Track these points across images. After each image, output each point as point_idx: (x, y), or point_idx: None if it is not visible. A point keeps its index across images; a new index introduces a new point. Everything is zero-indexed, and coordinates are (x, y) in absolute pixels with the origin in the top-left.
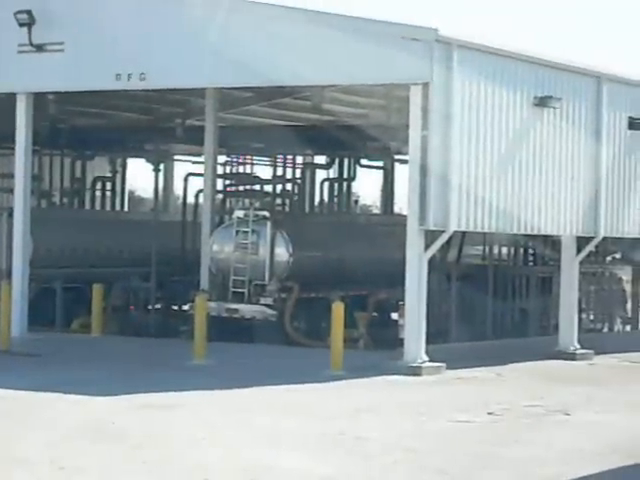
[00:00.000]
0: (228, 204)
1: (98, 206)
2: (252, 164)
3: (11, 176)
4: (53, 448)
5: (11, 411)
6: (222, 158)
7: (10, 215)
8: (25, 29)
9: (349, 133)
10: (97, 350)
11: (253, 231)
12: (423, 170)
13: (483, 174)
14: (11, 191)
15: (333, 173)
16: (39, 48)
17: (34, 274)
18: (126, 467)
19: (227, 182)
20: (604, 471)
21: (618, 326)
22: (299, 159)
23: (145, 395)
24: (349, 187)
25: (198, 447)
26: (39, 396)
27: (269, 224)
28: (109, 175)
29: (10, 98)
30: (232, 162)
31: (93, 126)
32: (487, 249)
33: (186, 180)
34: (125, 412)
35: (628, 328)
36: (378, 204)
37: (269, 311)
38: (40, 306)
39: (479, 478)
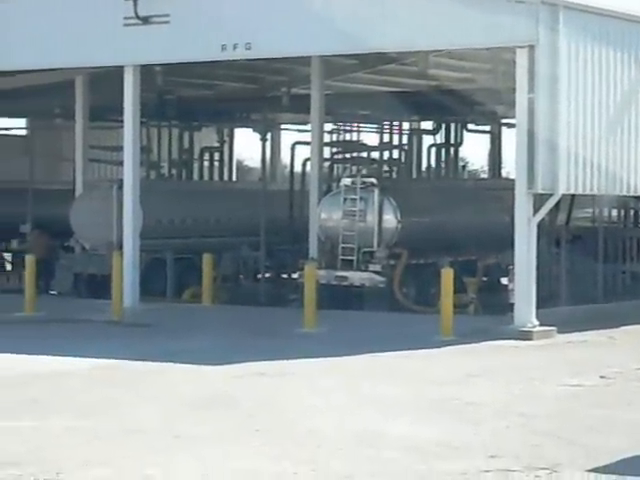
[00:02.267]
0: (335, 172)
1: (206, 176)
2: (358, 131)
3: (120, 148)
4: (167, 417)
5: (124, 381)
6: (328, 126)
7: (120, 187)
8: (131, 2)
9: (455, 98)
10: (208, 319)
11: (361, 198)
12: (530, 133)
13: (591, 136)
14: (120, 163)
15: (440, 138)
16: (145, 20)
17: (144, 245)
18: (240, 435)
19: (334, 150)
20: None
21: None
22: (405, 125)
23: (256, 363)
24: (456, 152)
25: (310, 414)
26: (151, 366)
27: (377, 191)
28: (217, 145)
29: (118, 71)
30: (339, 130)
31: (200, 97)
32: (596, 211)
33: (293, 149)
34: (237, 380)
35: None
36: (486, 168)
37: (378, 278)
38: (151, 277)
39: (593, 442)
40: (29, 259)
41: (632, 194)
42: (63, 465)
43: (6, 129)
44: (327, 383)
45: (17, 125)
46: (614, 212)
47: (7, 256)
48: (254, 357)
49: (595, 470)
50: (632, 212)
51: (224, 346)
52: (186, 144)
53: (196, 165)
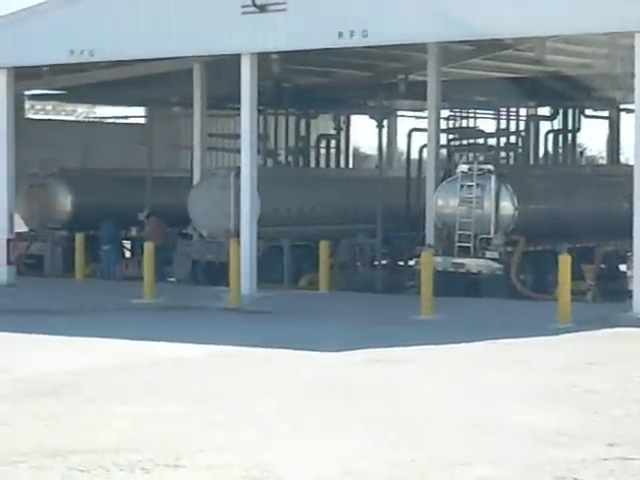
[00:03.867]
0: (452, 158)
1: (323, 164)
2: (475, 118)
3: (237, 136)
4: (284, 403)
5: (243, 367)
6: (445, 112)
7: (237, 175)
8: None
9: (572, 84)
10: (325, 306)
11: (478, 185)
12: None
13: None
14: (238, 151)
15: (557, 124)
16: (262, 8)
17: (261, 232)
18: (356, 422)
19: (451, 136)
20: None
21: None
22: (522, 111)
23: (374, 350)
24: (574, 138)
25: (427, 401)
26: (269, 352)
27: (493, 177)
28: (333, 132)
29: (235, 59)
30: (455, 116)
31: (316, 84)
32: None
33: (410, 135)
34: (354, 367)
35: None
36: (604, 154)
37: (495, 265)
38: (268, 264)
39: None
40: (148, 246)
41: None
42: (181, 451)
43: (125, 117)
44: (444, 370)
45: (136, 113)
46: None
47: (126, 243)
48: (371, 344)
49: None
50: None
51: (341, 333)
52: (303, 131)
53: (313, 152)
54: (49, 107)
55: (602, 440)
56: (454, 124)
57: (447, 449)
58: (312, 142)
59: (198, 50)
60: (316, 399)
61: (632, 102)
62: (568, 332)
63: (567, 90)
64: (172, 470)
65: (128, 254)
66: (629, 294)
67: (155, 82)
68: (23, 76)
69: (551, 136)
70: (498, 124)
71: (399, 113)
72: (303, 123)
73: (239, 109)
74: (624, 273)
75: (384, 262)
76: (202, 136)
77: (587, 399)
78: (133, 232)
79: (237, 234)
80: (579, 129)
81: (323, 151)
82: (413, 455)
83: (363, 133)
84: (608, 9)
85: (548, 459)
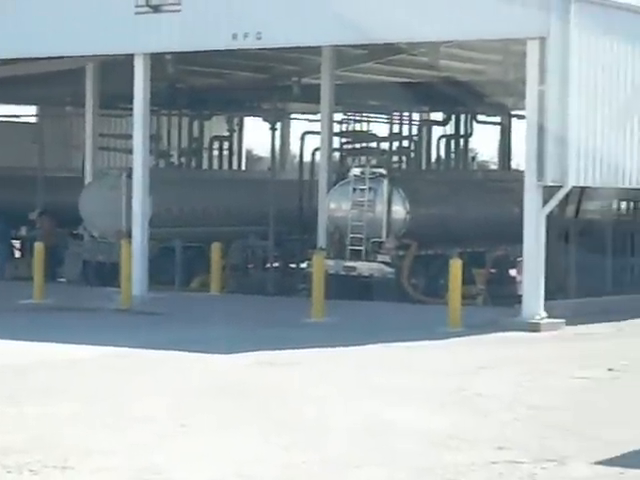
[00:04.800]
0: (345, 162)
1: (216, 165)
2: (368, 122)
3: (130, 137)
4: (175, 405)
5: (133, 369)
6: (338, 116)
7: (129, 175)
8: None
9: (465, 89)
10: (216, 308)
11: (370, 188)
12: (540, 125)
13: (601, 128)
14: (130, 151)
15: (450, 129)
16: (156, 9)
17: (153, 233)
18: (248, 424)
19: (343, 140)
20: None
21: None
22: (415, 116)
23: (265, 352)
24: (466, 143)
25: (319, 404)
26: (160, 354)
27: (386, 181)
28: (226, 134)
29: (128, 59)
30: (348, 120)
31: (210, 86)
32: (606, 204)
33: (303, 138)
34: (245, 369)
35: None
36: (495, 160)
37: (387, 268)
38: (160, 265)
39: (601, 435)
40: (38, 246)
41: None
42: (70, 452)
43: (16, 116)
44: (336, 373)
45: (27, 112)
46: (624, 205)
47: (16, 243)
48: (263, 346)
49: (601, 463)
50: None
51: (233, 335)
52: (196, 133)
53: (206, 154)
54: None
55: (491, 444)
56: (347, 127)
57: (339, 452)
58: (205, 144)
59: (91, 49)
60: (208, 401)
61: (523, 109)
62: (458, 336)
63: (460, 95)
64: (60, 472)
65: (18, 254)
66: (518, 299)
67: (47, 81)
68: None
69: (443, 141)
70: (391, 128)
71: (293, 116)
72: (196, 124)
73: (132, 109)
74: (514, 278)
75: (276, 265)
76: (94, 136)
77: (477, 403)
78: (23, 231)
79: (129, 235)
80: (471, 134)
81: (216, 153)
82: (305, 457)
83: (256, 135)
84: (501, 15)
85: (438, 462)
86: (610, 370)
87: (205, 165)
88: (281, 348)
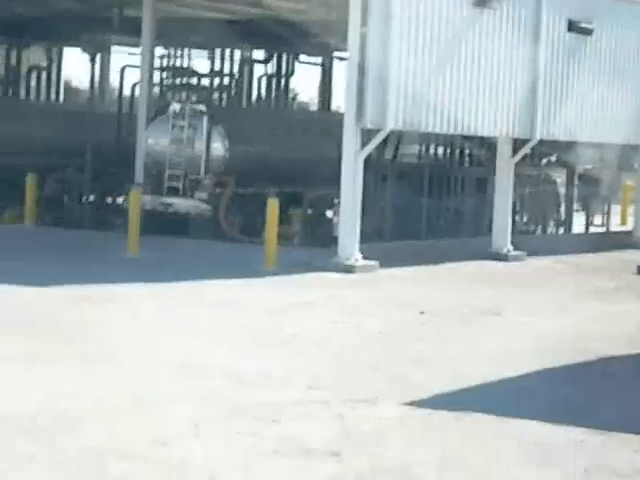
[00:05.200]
0: (165, 98)
1: (33, 96)
2: (190, 58)
3: None
4: None
5: None
6: (159, 51)
7: None
8: None
9: (288, 28)
10: (29, 241)
11: (189, 125)
12: (361, 67)
13: (422, 73)
14: None
15: (271, 69)
16: None
17: None
18: (58, 358)
19: (164, 75)
20: (532, 372)
21: (551, 228)
22: (237, 54)
23: (77, 287)
24: (287, 83)
25: (133, 341)
26: None
27: (205, 118)
28: (44, 64)
29: None
30: (169, 55)
31: (29, 14)
32: (424, 149)
33: (122, 72)
34: (56, 303)
35: (561, 230)
36: (316, 101)
37: (204, 206)
38: None
39: (410, 375)
40: None
41: (459, 133)
42: None
43: None
44: (149, 309)
45: None
46: (441, 150)
47: None
48: (75, 280)
49: (410, 404)
50: (458, 151)
51: (45, 269)
52: (13, 62)
53: (23, 84)
54: None
55: (302, 383)
56: (168, 63)
57: (151, 389)
58: (22, 73)
59: None
60: (14, 335)
61: (345, 50)
62: (274, 275)
63: (282, 35)
64: None
65: None
66: (335, 240)
67: None
68: None
69: (265, 80)
70: (212, 65)
71: (113, 48)
72: (14, 53)
73: None
74: (330, 220)
75: (93, 198)
76: None
77: (290, 342)
78: None
79: None
80: (292, 74)
81: (34, 83)
82: (117, 394)
83: (76, 67)
84: None
85: (249, 400)
86: (421, 313)
87: (22, 95)
88: (94, 282)
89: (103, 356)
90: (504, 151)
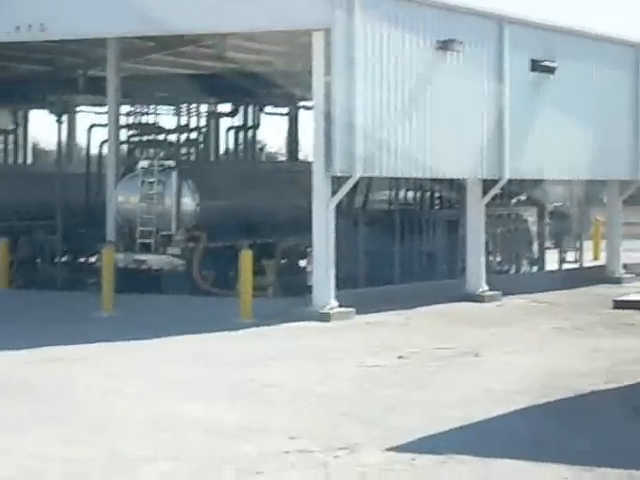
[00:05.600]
0: (133, 155)
1: (0, 159)
2: (156, 114)
3: None
4: None
5: None
6: (125, 108)
7: None
8: None
9: (253, 80)
10: (3, 304)
11: (159, 181)
12: (327, 116)
13: (388, 119)
14: None
15: (238, 121)
16: None
17: None
18: (33, 422)
19: (131, 132)
20: (512, 411)
21: (525, 267)
22: (203, 108)
23: (51, 348)
24: (254, 135)
25: (107, 399)
26: None
27: (174, 174)
28: (11, 128)
29: None
30: (136, 112)
31: None
32: (393, 194)
33: (90, 131)
34: (31, 366)
35: (535, 269)
36: (284, 151)
37: (177, 261)
38: None
39: (390, 421)
40: None
41: (428, 176)
42: None
43: None
44: (125, 367)
45: None
46: (411, 194)
47: None
48: (49, 341)
49: (392, 449)
50: (428, 194)
51: (19, 331)
52: None
53: None
54: None
55: (283, 434)
56: (134, 120)
57: (126, 446)
58: None
59: None
60: None
61: (310, 99)
62: (249, 327)
63: (248, 87)
64: None
65: None
66: (309, 289)
67: None
68: None
69: (232, 132)
70: (179, 120)
71: (79, 108)
72: None
73: None
74: (304, 268)
75: (65, 259)
76: None
77: (268, 393)
78: None
79: None
80: (259, 126)
81: (1, 146)
82: (92, 453)
83: (43, 128)
84: (285, 7)
85: (230, 453)
86: (399, 358)
87: None
88: (68, 343)
89: (75, 415)
90: (474, 192)
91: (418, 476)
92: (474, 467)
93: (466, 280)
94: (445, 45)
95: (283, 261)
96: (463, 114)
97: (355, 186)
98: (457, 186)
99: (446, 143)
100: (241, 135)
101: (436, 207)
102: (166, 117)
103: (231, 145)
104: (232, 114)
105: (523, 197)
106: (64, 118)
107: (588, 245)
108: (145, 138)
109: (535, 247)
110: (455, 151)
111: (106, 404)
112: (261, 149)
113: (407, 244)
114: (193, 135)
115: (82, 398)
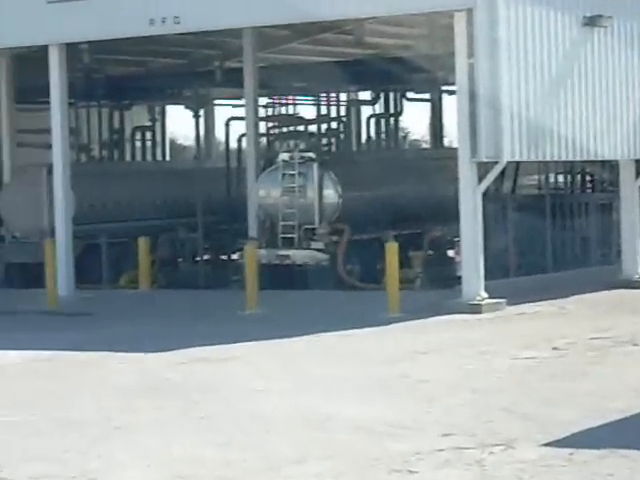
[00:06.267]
0: (273, 147)
1: (139, 157)
2: (295, 104)
3: (48, 131)
4: (107, 407)
5: (63, 372)
6: (263, 100)
7: (49, 171)
8: None
9: (393, 66)
10: (147, 305)
11: (300, 173)
12: (472, 99)
13: (535, 100)
14: (49, 147)
15: (379, 108)
16: None
17: (77, 231)
18: (184, 423)
19: (270, 124)
20: None
21: None
22: (343, 96)
23: (199, 349)
24: (396, 122)
25: (255, 399)
26: (91, 355)
27: (316, 165)
28: (149, 124)
29: (43, 50)
30: (274, 103)
31: (129, 74)
32: (543, 178)
33: (228, 125)
34: (179, 366)
35: None
36: (427, 138)
37: (321, 255)
38: (86, 263)
39: (547, 416)
40: None
41: (578, 158)
42: (3, 461)
43: None
44: (272, 366)
45: None
46: (561, 178)
47: None
48: (196, 342)
49: (550, 444)
50: (579, 177)
51: (164, 332)
52: (117, 124)
53: (128, 145)
54: None
55: (436, 430)
56: (273, 111)
57: (279, 447)
58: (127, 135)
59: (3, 42)
60: (141, 401)
61: (454, 83)
62: (398, 322)
63: (388, 73)
64: None
65: None
66: (458, 280)
67: None
68: None
69: (373, 121)
70: (319, 110)
71: (216, 102)
72: (117, 115)
73: (49, 103)
74: (452, 259)
75: (207, 257)
76: (11, 132)
77: (420, 389)
78: None
79: (52, 233)
80: (401, 112)
81: (139, 143)
82: (245, 455)
83: (180, 124)
84: None
85: (383, 452)
86: (555, 349)
87: (128, 157)
88: (215, 343)
89: (226, 417)
90: (627, 173)
91: (577, 472)
92: (637, 462)
93: (622, 266)
94: (592, 21)
95: (430, 252)
96: (613, 92)
97: (503, 171)
98: (609, 167)
99: (597, 123)
100: (383, 123)
101: (588, 190)
102: (305, 107)
103: (373, 134)
104: (373, 102)
105: None
106: (201, 112)
107: None
108: (285, 130)
109: None
110: (607, 131)
111: (256, 404)
112: (404, 137)
113: (558, 230)
114: (334, 125)
115: (231, 398)
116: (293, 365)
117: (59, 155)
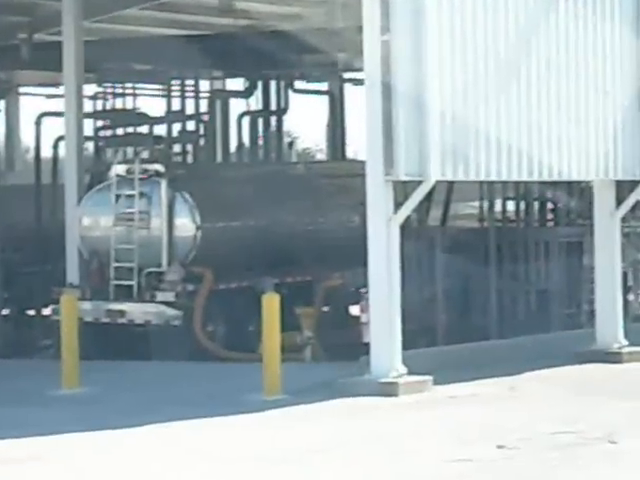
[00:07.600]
0: (103, 156)
1: None
2: (135, 95)
3: None
4: None
5: None
6: (91, 89)
7: None
8: None
9: (276, 43)
10: None
11: (141, 194)
12: (386, 93)
13: (475, 96)
14: None
15: (255, 103)
16: None
17: None
18: None
19: (100, 124)
20: None
21: None
22: (204, 85)
23: None
24: (280, 123)
25: None
26: None
27: (164, 183)
28: None
29: None
30: (106, 94)
31: None
32: (486, 205)
33: (39, 123)
34: None
35: None
36: (323, 146)
37: (170, 311)
38: None
39: None
40: None
41: (536, 179)
42: None
43: None
44: (99, 469)
45: None
46: (511, 205)
47: None
48: None
49: None
50: (536, 205)
51: None
52: None
53: None
54: None
55: None
56: (104, 105)
57: None
58: None
59: None
60: None
61: (360, 70)
62: (279, 407)
63: (268, 53)
64: None
65: None
66: (365, 349)
67: None
68: None
69: (246, 120)
70: (169, 104)
71: (22, 90)
72: None
73: None
74: (357, 318)
75: (5, 312)
76: None
77: None
78: None
79: None
80: (286, 109)
81: None
82: None
83: None
84: None
85: None
86: (500, 447)
87: None
88: (19, 436)
89: None
90: (604, 200)
91: None
92: None
93: (596, 330)
94: None
95: (326, 308)
96: (586, 84)
97: (430, 195)
98: (579, 191)
99: (562, 129)
100: (260, 124)
101: (549, 223)
102: (150, 100)
103: (246, 139)
104: (246, 94)
105: None
106: (1, 104)
107: None
108: (120, 131)
109: None
110: (576, 141)
111: None
112: (290, 144)
113: (507, 279)
114: (190, 125)
115: None
116: (127, 468)
117: None
